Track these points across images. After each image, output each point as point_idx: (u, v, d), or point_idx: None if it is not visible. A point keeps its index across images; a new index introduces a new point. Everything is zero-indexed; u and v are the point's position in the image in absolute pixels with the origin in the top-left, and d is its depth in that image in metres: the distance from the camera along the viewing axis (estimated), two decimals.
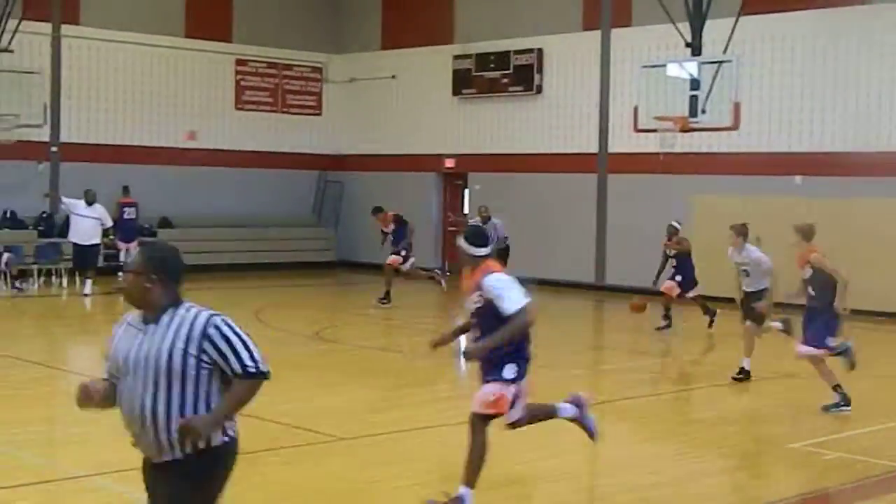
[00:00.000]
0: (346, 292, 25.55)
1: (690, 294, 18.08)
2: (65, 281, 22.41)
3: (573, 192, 24.50)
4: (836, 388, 11.25)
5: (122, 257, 24.26)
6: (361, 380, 13.07)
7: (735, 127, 19.48)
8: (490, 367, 7.43)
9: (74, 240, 21.63)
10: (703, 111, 20.37)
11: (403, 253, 21.07)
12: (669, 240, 18.54)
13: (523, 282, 7.47)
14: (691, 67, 20.69)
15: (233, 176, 27.37)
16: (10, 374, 13.22)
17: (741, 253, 13.28)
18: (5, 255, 21.89)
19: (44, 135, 24.20)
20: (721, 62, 19.77)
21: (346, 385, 12.65)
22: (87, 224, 21.52)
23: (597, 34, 24.25)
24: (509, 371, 7.39)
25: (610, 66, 24.10)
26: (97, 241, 21.82)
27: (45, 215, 24.50)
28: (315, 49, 29.06)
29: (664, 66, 21.30)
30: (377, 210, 21.68)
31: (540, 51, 25.12)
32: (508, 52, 25.55)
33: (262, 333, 17.45)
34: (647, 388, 12.37)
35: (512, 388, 7.45)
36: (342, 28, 29.41)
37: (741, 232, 13.36)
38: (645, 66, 21.04)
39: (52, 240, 23.48)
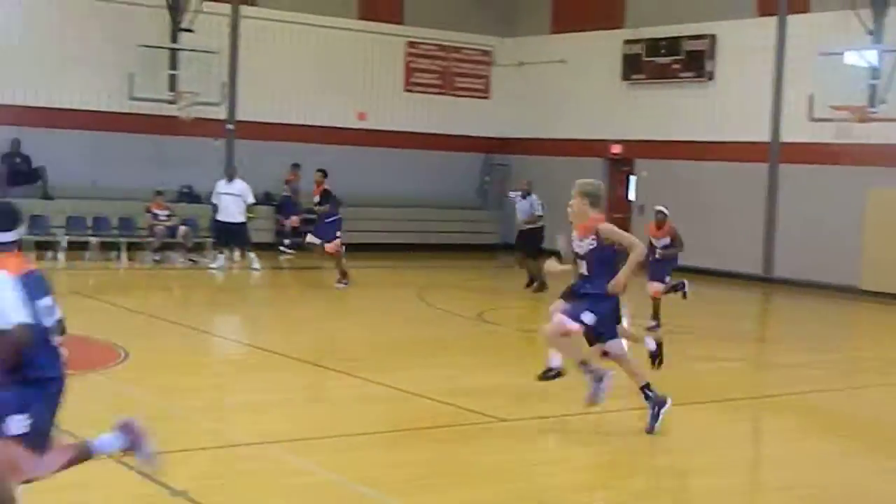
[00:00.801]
0: (510, 275, 25.63)
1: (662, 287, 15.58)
2: (236, 255, 23.09)
3: (743, 181, 24.03)
4: (584, 363, 9.28)
5: (292, 233, 24.90)
6: (522, 362, 13.12)
7: None
8: None
9: (219, 217, 21.62)
10: (883, 101, 19.76)
11: (339, 234, 19.54)
12: (659, 228, 15.72)
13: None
14: (871, 56, 20.09)
15: (400, 157, 27.74)
16: (183, 342, 13.74)
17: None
18: (182, 228, 22.70)
19: (220, 112, 24.98)
20: None
21: (506, 367, 12.73)
22: (228, 200, 21.45)
23: (772, 20, 23.69)
24: (16, 424, 5.41)
25: (785, 53, 23.53)
26: (241, 218, 21.53)
27: None
28: (484, 32, 29.19)
29: (842, 53, 20.73)
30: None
31: (713, 37, 24.67)
32: (680, 37, 25.18)
33: (424, 313, 17.73)
34: (815, 384, 12.08)
35: (13, 451, 5.42)
36: (512, 11, 29.44)
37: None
38: (822, 54, 20.51)
39: None
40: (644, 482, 8.02)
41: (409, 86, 28.32)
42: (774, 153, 23.71)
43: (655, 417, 9.23)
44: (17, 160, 23.11)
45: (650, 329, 14.50)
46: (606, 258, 9.22)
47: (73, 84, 23.63)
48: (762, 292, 22.73)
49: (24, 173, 23.12)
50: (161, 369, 11.56)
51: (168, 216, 22.76)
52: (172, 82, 24.10)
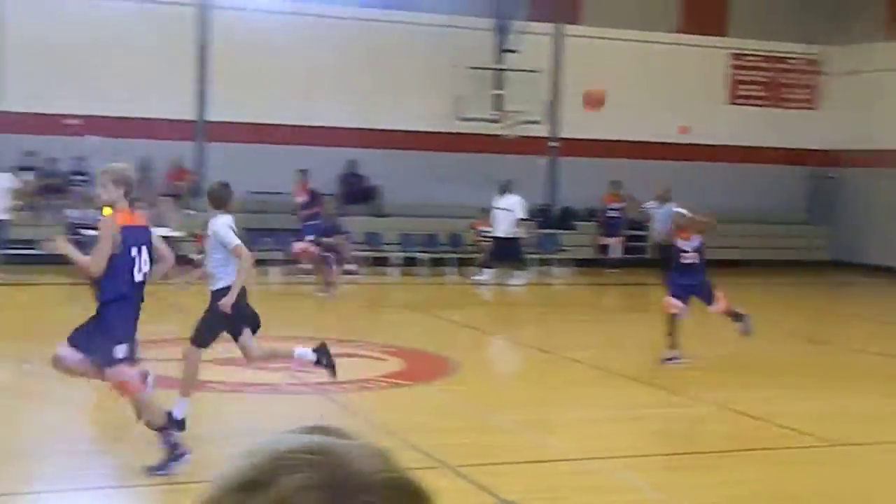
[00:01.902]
0: (840, 293, 24.63)
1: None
2: (558, 271, 23.31)
3: None
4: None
5: (610, 252, 24.73)
6: (855, 384, 12.61)
7: None
8: None
9: (493, 232, 21.81)
10: None
11: (311, 238, 18.23)
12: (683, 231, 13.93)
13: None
14: None
15: (722, 170, 27.23)
16: (509, 356, 14.07)
17: None
18: None
19: (543, 130, 25.40)
20: None
21: (838, 390, 12.26)
22: (499, 215, 21.62)
23: None
24: None
25: None
26: (512, 233, 21.45)
27: (544, 208, 25.63)
28: (812, 41, 28.20)
29: None
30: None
31: None
32: None
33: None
34: None
35: None
36: (842, 18, 28.27)
37: None
38: None
39: (550, 231, 24.51)
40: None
41: (734, 98, 27.79)
42: None
43: (164, 466, 7.42)
44: (353, 180, 24.39)
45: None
46: (112, 259, 7.37)
47: (404, 107, 24.71)
48: None
49: (360, 192, 24.37)
50: (489, 382, 11.91)
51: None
52: (498, 102, 24.72)
